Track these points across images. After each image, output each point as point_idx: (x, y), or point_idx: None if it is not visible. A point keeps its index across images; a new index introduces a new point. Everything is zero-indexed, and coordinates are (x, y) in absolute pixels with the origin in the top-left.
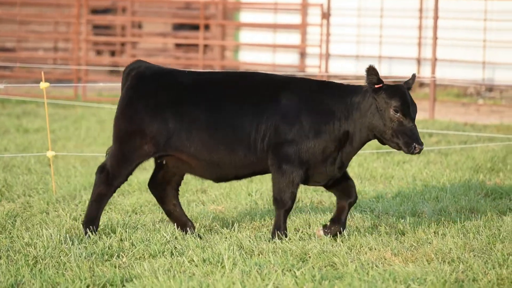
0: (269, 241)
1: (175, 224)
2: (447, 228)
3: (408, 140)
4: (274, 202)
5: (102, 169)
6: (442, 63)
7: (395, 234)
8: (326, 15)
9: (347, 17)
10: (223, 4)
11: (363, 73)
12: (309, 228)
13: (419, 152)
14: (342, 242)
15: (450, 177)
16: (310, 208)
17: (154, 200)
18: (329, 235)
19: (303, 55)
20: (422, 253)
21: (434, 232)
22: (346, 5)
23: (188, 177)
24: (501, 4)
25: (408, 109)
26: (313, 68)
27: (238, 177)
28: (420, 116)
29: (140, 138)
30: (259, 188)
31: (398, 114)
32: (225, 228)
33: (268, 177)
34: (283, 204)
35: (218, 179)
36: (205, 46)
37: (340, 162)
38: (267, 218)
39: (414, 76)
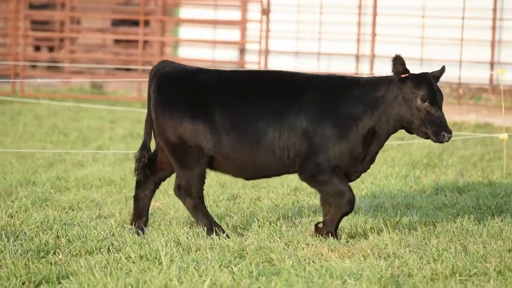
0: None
1: (134, 211)
2: (383, 223)
3: (436, 129)
4: (336, 203)
5: (178, 187)
6: (380, 60)
7: None
8: (265, 12)
9: (287, 13)
10: (163, 0)
11: (302, 69)
12: (247, 224)
13: (447, 140)
14: (279, 238)
15: (387, 173)
16: (248, 204)
17: (91, 196)
18: (318, 235)
19: (242, 51)
20: (358, 249)
21: (371, 228)
22: (285, 1)
23: (122, 174)
24: (438, 1)
25: (435, 97)
26: (253, 65)
27: (266, 177)
28: None
29: (186, 143)
30: None
31: (426, 103)
32: (162, 225)
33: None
34: (348, 197)
35: (247, 178)
36: (145, 42)
37: (370, 157)
38: None
39: (443, 68)
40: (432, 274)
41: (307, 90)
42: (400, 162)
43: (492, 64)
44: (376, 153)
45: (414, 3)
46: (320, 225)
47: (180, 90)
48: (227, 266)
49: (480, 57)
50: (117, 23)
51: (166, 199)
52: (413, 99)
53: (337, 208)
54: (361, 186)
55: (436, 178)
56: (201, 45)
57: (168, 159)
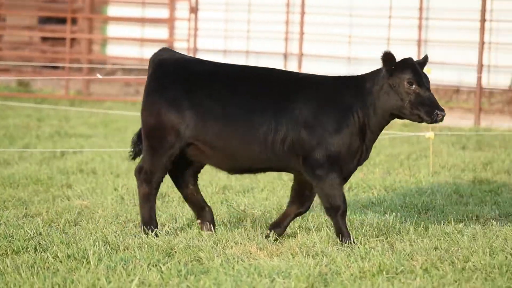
0: (337, 248)
1: (193, 209)
2: (311, 222)
3: (428, 109)
4: (327, 212)
5: (140, 170)
6: (308, 58)
7: (260, 229)
8: (194, 10)
9: (215, 11)
10: None
11: None
12: (176, 223)
13: (442, 119)
14: (208, 237)
15: None
16: (177, 203)
17: (18, 195)
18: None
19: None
20: (287, 247)
21: (299, 227)
22: (214, 0)
23: (50, 172)
24: (366, 0)
25: (421, 79)
26: None
27: (252, 171)
28: None
29: (163, 129)
30: (125, 183)
31: (414, 86)
32: (90, 224)
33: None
34: (336, 209)
35: (232, 170)
36: (72, 39)
37: (365, 152)
38: (133, 213)
39: (426, 56)
40: (360, 272)
41: (303, 86)
42: None
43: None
44: (371, 147)
45: (341, 2)
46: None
47: (171, 76)
48: (156, 265)
49: (407, 56)
50: (44, 20)
51: (94, 197)
52: (400, 84)
53: (328, 211)
54: (288, 185)
55: (363, 176)
56: (129, 43)
57: (194, 151)
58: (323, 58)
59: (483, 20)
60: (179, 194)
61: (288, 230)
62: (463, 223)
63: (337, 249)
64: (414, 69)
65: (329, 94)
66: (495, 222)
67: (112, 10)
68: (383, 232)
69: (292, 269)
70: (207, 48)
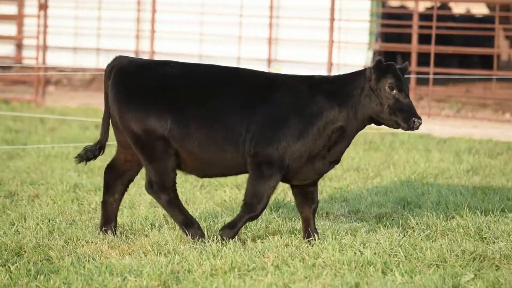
0: (221, 239)
1: (102, 216)
2: (164, 220)
3: (406, 115)
4: (244, 206)
5: (150, 184)
6: (160, 56)
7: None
8: (43, 7)
9: (65, 9)
10: None
11: (81, 65)
12: (25, 222)
13: (418, 127)
14: (59, 236)
15: None
16: (26, 202)
17: None
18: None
19: (19, 46)
20: (138, 246)
21: (151, 225)
22: None
23: None
24: None
25: (402, 84)
26: (30, 60)
27: (225, 175)
28: None
29: (150, 134)
30: None
31: (394, 91)
32: None
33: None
34: (253, 210)
35: (204, 176)
36: None
37: (334, 157)
38: None
39: (406, 65)
40: (212, 269)
41: (274, 86)
42: None
43: (269, 61)
44: (342, 153)
45: (192, 0)
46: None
47: (142, 83)
48: (4, 265)
49: (258, 54)
50: None
51: None
52: (381, 88)
53: (246, 208)
54: (141, 182)
55: None
56: None
57: (132, 157)
58: (175, 56)
59: (332, 19)
60: (28, 192)
61: (140, 228)
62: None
63: (189, 247)
64: (396, 74)
65: (302, 95)
66: (344, 219)
67: None
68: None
69: (144, 268)
70: (57, 45)
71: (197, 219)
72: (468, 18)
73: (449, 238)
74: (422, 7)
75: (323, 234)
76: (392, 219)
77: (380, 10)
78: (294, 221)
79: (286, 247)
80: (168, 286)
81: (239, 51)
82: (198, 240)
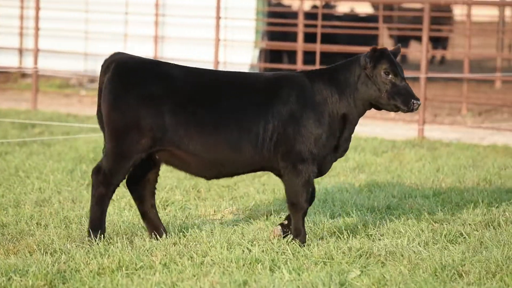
0: (76, 245)
1: (147, 226)
2: (50, 219)
3: (405, 98)
4: (291, 207)
5: (98, 170)
6: (44, 54)
7: None
8: None
9: None
10: None
11: None
12: None
13: (417, 108)
14: None
15: (53, 168)
16: None
17: None
18: (283, 235)
19: None
20: (24, 245)
21: (37, 223)
22: None
23: None
24: None
25: (397, 68)
26: None
27: (237, 175)
28: (22, 107)
29: (136, 132)
30: None
31: (390, 76)
32: None
33: None
34: (301, 208)
35: (216, 177)
36: None
37: (345, 144)
38: None
39: (398, 47)
40: (99, 268)
41: (277, 84)
42: (66, 156)
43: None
44: (350, 139)
45: None
46: (286, 222)
47: (143, 78)
48: None
49: (144, 52)
50: None
51: None
52: (376, 75)
53: (296, 209)
54: (26, 181)
55: None
56: None
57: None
58: (60, 54)
59: (218, 17)
60: None
61: (25, 227)
62: (201, 218)
63: (76, 246)
64: (390, 59)
65: (306, 88)
66: (232, 217)
67: None
68: (122, 229)
69: (29, 267)
70: None
71: (83, 217)
72: (353, 17)
73: (335, 236)
74: (307, 6)
75: (211, 232)
76: (280, 217)
77: (266, 8)
78: (182, 220)
79: (174, 245)
80: (55, 286)
81: (125, 49)
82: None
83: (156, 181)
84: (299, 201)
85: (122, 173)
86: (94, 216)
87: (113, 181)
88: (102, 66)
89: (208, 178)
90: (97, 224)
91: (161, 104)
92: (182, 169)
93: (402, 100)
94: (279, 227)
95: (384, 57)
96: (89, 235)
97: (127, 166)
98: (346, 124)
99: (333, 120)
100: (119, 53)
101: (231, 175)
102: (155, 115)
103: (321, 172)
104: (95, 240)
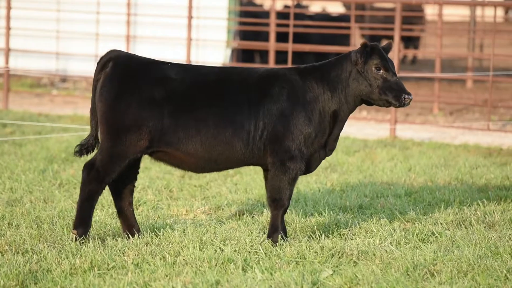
0: (272, 245)
1: (122, 223)
2: (21, 219)
3: (396, 93)
4: (272, 203)
5: (91, 166)
6: (15, 53)
7: None
8: None
9: None
10: None
11: None
12: None
13: (409, 103)
14: None
15: (25, 168)
16: None
17: None
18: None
19: None
20: None
21: (8, 223)
22: None
23: None
24: None
25: (388, 64)
26: None
27: (228, 169)
28: None
29: (136, 133)
30: None
31: (381, 71)
32: None
33: None
34: (282, 205)
35: (207, 172)
36: None
37: (333, 142)
38: None
39: (390, 43)
40: (71, 268)
41: (270, 81)
42: (37, 156)
43: None
44: (338, 137)
45: None
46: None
47: (142, 78)
48: None
49: None
50: None
51: None
52: (368, 70)
53: (277, 205)
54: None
55: (74, 173)
56: None
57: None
58: (31, 53)
59: (190, 17)
60: None
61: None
62: (173, 218)
63: (48, 246)
64: (381, 54)
65: (298, 85)
66: (204, 217)
67: None
68: (94, 229)
69: (1, 267)
70: None
71: (55, 217)
72: (324, 16)
73: (308, 235)
74: (279, 5)
75: (184, 232)
76: (252, 217)
77: (237, 8)
78: (153, 220)
79: (147, 245)
80: (26, 286)
81: (96, 48)
82: (77, 240)
83: (136, 179)
84: (282, 198)
85: (116, 172)
86: (82, 213)
87: (106, 179)
88: (98, 63)
89: (199, 172)
90: (84, 221)
91: (161, 107)
92: (174, 166)
93: (393, 95)
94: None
95: (375, 53)
96: (74, 232)
97: (122, 166)
98: (336, 122)
99: (324, 117)
100: (116, 50)
101: (222, 170)
102: (155, 117)
103: (309, 169)
104: (83, 237)
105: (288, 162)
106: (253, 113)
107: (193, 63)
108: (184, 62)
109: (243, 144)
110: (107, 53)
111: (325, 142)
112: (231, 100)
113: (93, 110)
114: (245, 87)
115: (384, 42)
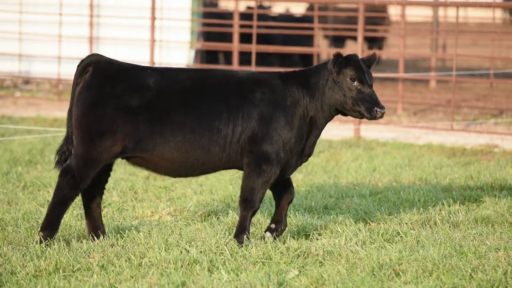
0: (237, 245)
1: (88, 224)
2: None
3: (369, 105)
4: (243, 203)
5: (66, 172)
6: None
7: None
8: None
9: None
10: None
11: None
12: None
13: (381, 116)
14: None
15: None
16: None
17: None
18: (275, 236)
19: None
20: None
21: None
22: None
23: None
24: None
25: (363, 75)
26: None
27: (205, 174)
28: None
29: (110, 139)
30: None
31: (356, 83)
32: None
33: None
34: (253, 206)
35: (184, 177)
36: None
37: (309, 148)
38: None
39: (374, 54)
40: (36, 271)
41: (250, 85)
42: (1, 159)
43: None
44: (315, 144)
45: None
46: (273, 226)
47: (118, 83)
48: None
49: (79, 53)
50: None
51: None
52: (342, 80)
53: (247, 205)
54: None
55: (38, 175)
56: None
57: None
58: None
59: (153, 18)
60: None
61: None
62: (139, 219)
63: (12, 249)
64: (357, 65)
65: (279, 90)
66: (170, 218)
67: None
68: (59, 231)
69: None
70: None
71: (19, 219)
72: (288, 17)
73: (273, 236)
74: (242, 6)
75: (149, 233)
76: (218, 218)
77: (201, 9)
78: (119, 221)
79: (112, 247)
80: None
81: (59, 50)
82: (42, 242)
83: (107, 181)
84: (253, 199)
85: (90, 177)
86: (52, 216)
87: (80, 185)
88: (78, 66)
89: (176, 177)
90: (52, 224)
91: (136, 114)
92: (149, 170)
93: (366, 107)
94: (268, 233)
95: (352, 64)
96: (42, 235)
97: (95, 171)
98: (312, 128)
99: (302, 123)
100: (96, 55)
101: (199, 175)
102: (130, 124)
103: (283, 175)
104: (48, 239)
105: (264, 165)
106: (231, 117)
107: (156, 65)
108: (148, 64)
109: (219, 149)
110: (88, 57)
111: (302, 148)
112: (209, 105)
113: (70, 112)
114: (225, 91)
115: (347, 43)
